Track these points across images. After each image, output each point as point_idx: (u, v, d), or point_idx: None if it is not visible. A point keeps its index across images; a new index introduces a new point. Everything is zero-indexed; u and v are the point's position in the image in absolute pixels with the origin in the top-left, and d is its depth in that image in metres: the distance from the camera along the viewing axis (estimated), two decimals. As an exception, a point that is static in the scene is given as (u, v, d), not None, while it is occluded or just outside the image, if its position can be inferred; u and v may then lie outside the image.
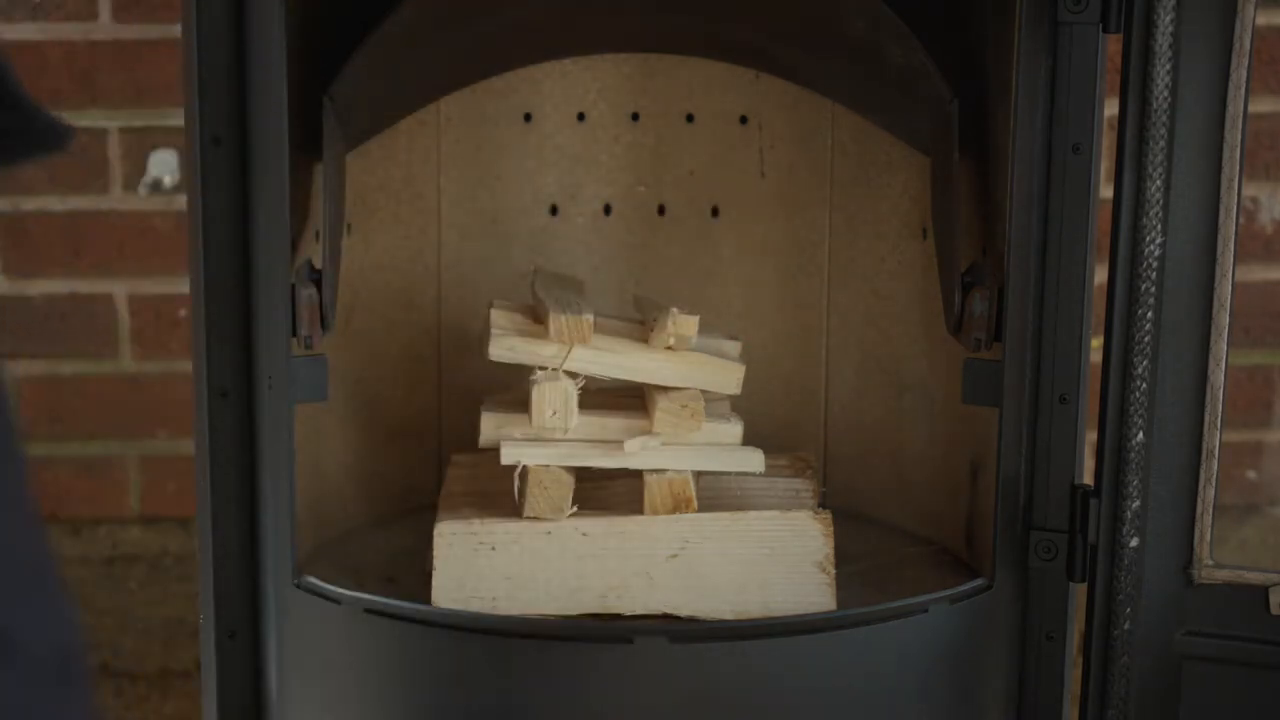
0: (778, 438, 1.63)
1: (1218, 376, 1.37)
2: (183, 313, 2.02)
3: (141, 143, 1.99)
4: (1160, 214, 1.34)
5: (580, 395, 1.38)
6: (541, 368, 1.39)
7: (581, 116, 1.65)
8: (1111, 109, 1.35)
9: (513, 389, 1.46)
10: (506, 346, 1.41)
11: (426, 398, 1.65)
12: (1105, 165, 1.38)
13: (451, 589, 1.38)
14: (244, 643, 1.44)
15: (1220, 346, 1.36)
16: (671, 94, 1.65)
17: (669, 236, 1.67)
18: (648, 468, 1.39)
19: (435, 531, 1.38)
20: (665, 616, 1.39)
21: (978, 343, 1.39)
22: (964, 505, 1.53)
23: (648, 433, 1.38)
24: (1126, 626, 1.40)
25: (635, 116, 1.65)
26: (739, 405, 1.45)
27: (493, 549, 1.38)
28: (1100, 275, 1.37)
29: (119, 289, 2.02)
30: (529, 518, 1.38)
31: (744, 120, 1.65)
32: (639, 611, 1.39)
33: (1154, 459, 1.38)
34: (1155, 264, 1.35)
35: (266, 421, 1.38)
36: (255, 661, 1.44)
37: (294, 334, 1.36)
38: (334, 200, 1.41)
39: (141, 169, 2.00)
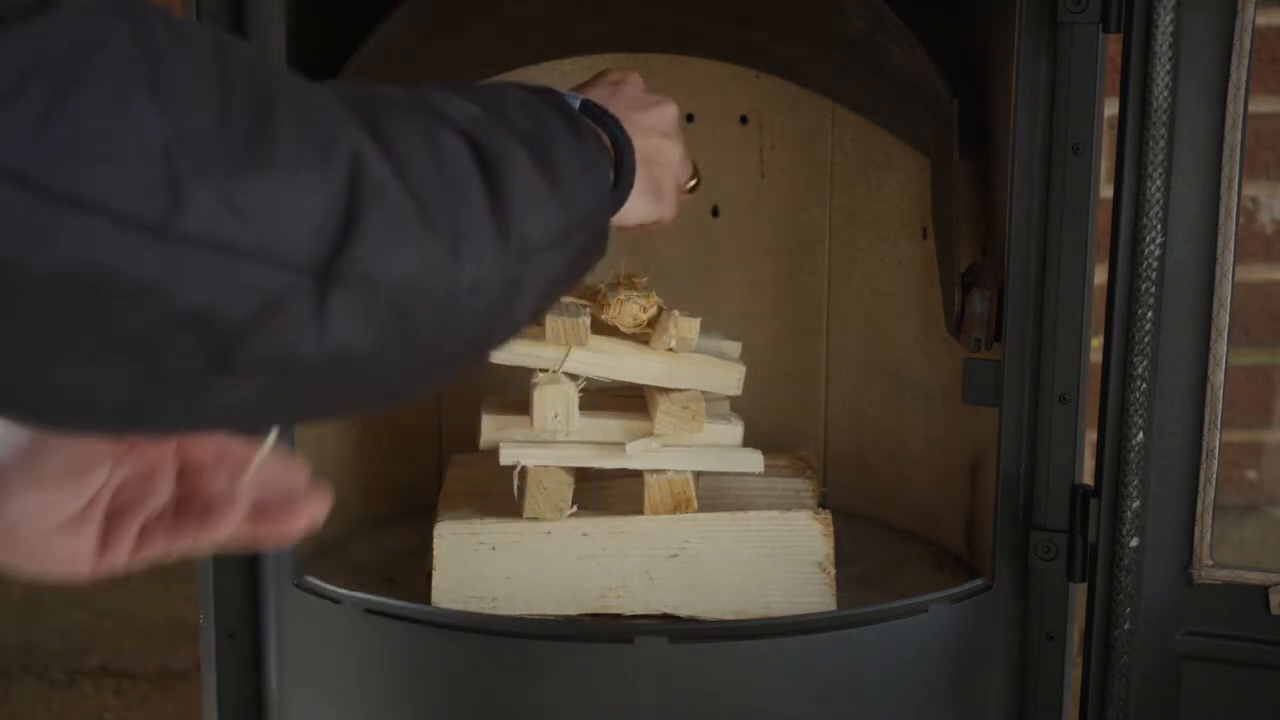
0: (778, 438, 1.63)
1: (1218, 376, 1.37)
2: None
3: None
4: (1160, 214, 1.34)
5: (580, 396, 1.38)
6: (541, 369, 1.39)
7: (581, 116, 1.64)
8: (1111, 109, 1.35)
9: (511, 389, 1.45)
10: (505, 348, 1.41)
11: (426, 398, 1.65)
12: (1105, 165, 1.38)
13: (451, 589, 1.37)
14: (244, 643, 1.43)
15: (1220, 346, 1.36)
16: (671, 94, 1.65)
17: (669, 236, 1.67)
18: (648, 468, 1.39)
19: (435, 531, 1.38)
20: (665, 616, 1.39)
21: (978, 343, 1.39)
22: (964, 505, 1.53)
23: (649, 434, 1.38)
24: (1126, 626, 1.40)
25: (635, 116, 1.65)
26: (739, 405, 1.45)
27: (493, 549, 1.38)
28: (1100, 275, 1.37)
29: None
30: (529, 518, 1.38)
31: (744, 120, 1.65)
32: (639, 611, 1.39)
33: (1154, 459, 1.38)
34: (1155, 264, 1.35)
35: (266, 422, 1.38)
36: (255, 661, 1.44)
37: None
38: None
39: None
